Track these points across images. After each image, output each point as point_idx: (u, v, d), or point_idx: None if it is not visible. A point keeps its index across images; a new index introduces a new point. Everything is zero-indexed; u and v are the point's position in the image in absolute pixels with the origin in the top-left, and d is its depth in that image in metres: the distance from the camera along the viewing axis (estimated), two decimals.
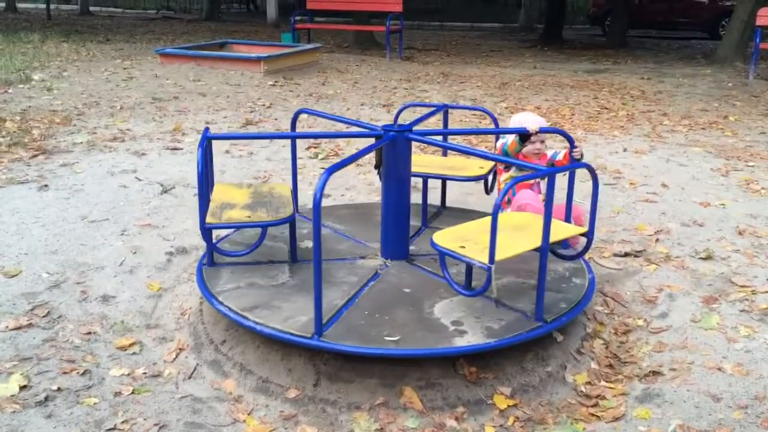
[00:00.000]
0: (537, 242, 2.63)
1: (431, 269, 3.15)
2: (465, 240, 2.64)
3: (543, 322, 2.70)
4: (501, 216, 3.01)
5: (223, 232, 3.57)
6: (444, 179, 3.79)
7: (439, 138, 4.10)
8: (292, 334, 2.61)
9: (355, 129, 3.42)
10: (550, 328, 2.73)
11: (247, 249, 3.12)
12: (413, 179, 3.31)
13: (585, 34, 18.87)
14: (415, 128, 3.17)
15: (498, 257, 2.47)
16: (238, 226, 3.04)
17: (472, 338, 2.59)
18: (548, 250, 2.64)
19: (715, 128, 6.93)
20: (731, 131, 6.78)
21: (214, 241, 3.19)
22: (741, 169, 5.40)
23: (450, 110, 4.05)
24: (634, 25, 17.29)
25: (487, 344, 2.58)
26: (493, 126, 4.22)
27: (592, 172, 2.80)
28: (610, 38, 15.68)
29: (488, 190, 3.90)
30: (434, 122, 6.22)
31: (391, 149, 3.07)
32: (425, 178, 3.68)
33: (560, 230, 2.84)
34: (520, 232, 2.78)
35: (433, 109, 3.91)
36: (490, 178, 3.79)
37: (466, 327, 2.67)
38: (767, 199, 4.66)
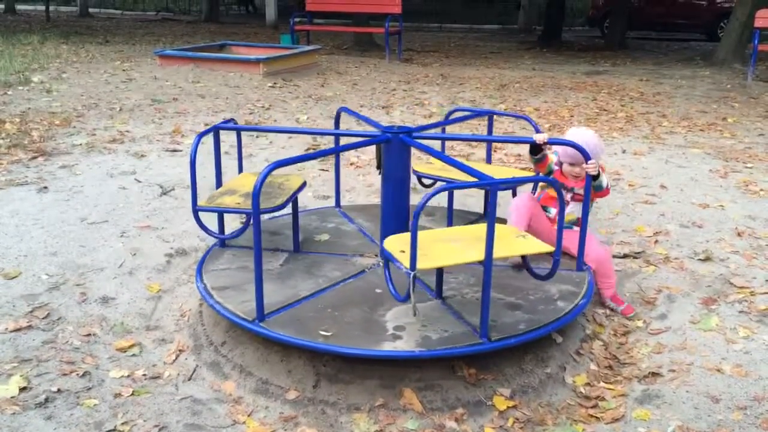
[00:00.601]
0: (496, 255, 2.47)
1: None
2: (423, 244, 2.58)
3: (486, 340, 2.58)
4: (474, 226, 2.98)
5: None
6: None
7: (438, 142, 4.10)
8: (236, 315, 2.74)
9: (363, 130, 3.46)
10: (489, 348, 2.59)
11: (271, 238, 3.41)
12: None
13: (584, 35, 18.90)
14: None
15: (426, 265, 2.42)
16: (224, 211, 3.15)
17: (400, 345, 2.56)
18: (491, 265, 2.46)
19: (713, 130, 6.93)
20: (730, 133, 6.79)
21: (237, 229, 3.43)
22: (740, 170, 5.41)
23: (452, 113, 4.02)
24: (633, 27, 17.30)
25: (410, 353, 2.53)
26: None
27: (554, 185, 2.71)
28: (609, 40, 15.69)
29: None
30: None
31: (390, 151, 3.08)
32: (452, 186, 3.53)
33: (518, 246, 2.69)
34: (479, 244, 2.55)
35: (464, 114, 3.90)
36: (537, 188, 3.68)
37: (404, 333, 2.64)
38: (766, 200, 4.67)
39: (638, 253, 3.84)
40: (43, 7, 19.05)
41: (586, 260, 3.24)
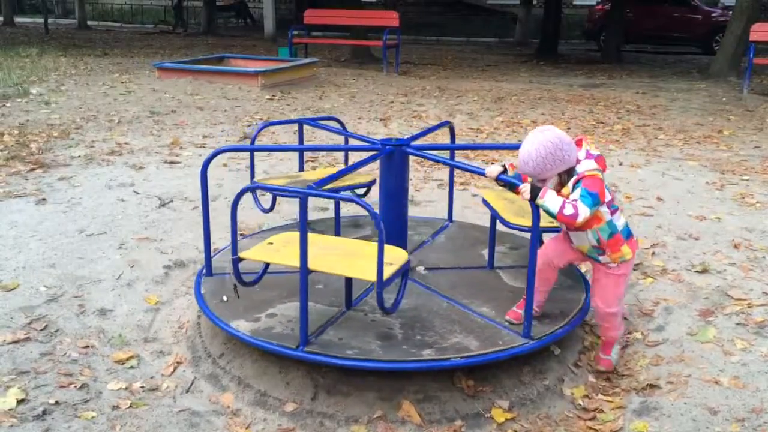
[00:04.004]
0: (312, 265, 2.52)
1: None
2: (287, 242, 2.79)
3: (302, 348, 2.61)
4: (366, 243, 2.92)
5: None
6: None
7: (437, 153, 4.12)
8: (200, 269, 3.23)
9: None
10: (294, 354, 2.62)
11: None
12: None
13: (580, 49, 19.00)
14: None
15: (245, 256, 2.69)
16: (261, 187, 3.21)
17: (244, 325, 2.78)
18: (306, 275, 2.49)
19: (709, 142, 6.97)
20: (726, 145, 6.82)
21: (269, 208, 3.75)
22: (736, 182, 5.43)
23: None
24: (629, 40, 17.42)
25: (235, 331, 2.75)
26: None
27: (372, 215, 2.47)
28: (605, 53, 15.78)
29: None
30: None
31: (388, 163, 3.09)
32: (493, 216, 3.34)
33: (351, 267, 2.61)
34: (329, 255, 2.67)
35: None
36: None
37: (267, 320, 2.82)
38: (762, 212, 4.69)
39: (636, 265, 3.85)
40: (41, 20, 19.10)
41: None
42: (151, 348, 3.06)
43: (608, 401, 2.74)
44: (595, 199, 2.51)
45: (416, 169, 5.56)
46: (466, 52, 17.63)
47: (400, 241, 3.22)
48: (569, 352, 3.02)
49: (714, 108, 9.05)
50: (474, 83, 11.17)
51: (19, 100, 7.84)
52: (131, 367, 2.88)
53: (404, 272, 2.64)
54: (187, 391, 2.76)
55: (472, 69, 13.58)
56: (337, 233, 3.67)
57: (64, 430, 2.42)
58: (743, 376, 2.75)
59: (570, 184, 2.57)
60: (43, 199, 4.53)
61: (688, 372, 2.82)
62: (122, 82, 9.30)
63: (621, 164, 5.97)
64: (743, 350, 2.93)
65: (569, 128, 7.45)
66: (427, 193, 5.09)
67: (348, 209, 4.42)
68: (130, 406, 2.59)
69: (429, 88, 10.30)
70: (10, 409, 2.48)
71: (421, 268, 3.32)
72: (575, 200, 2.51)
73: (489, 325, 2.84)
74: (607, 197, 2.59)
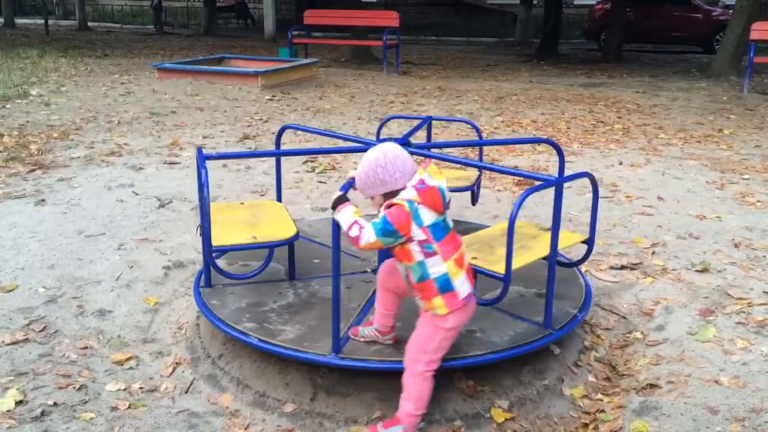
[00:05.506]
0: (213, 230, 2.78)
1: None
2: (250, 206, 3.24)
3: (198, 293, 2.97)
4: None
5: None
6: None
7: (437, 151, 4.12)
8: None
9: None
10: (196, 298, 2.94)
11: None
12: None
13: (581, 48, 18.99)
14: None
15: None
16: None
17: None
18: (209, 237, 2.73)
19: (710, 141, 6.96)
20: (726, 144, 6.81)
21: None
22: (736, 182, 5.43)
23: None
24: (629, 40, 17.40)
25: (202, 306, 2.97)
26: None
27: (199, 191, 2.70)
28: (605, 53, 15.78)
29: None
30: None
31: None
32: None
33: (225, 234, 2.88)
34: (240, 226, 2.98)
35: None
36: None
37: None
38: (762, 211, 4.68)
39: (636, 264, 3.84)
40: (42, 21, 19.12)
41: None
42: (150, 349, 3.05)
43: (608, 401, 2.73)
44: (387, 229, 2.23)
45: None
46: (466, 52, 17.63)
47: None
48: (569, 352, 3.02)
49: (714, 107, 9.04)
50: (474, 83, 11.17)
51: (19, 101, 7.85)
52: (130, 368, 2.88)
53: (270, 248, 2.91)
54: (186, 392, 2.76)
55: (473, 69, 13.57)
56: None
57: (62, 431, 2.41)
58: (743, 376, 2.74)
59: (383, 208, 2.31)
60: (43, 200, 4.53)
61: (688, 371, 2.81)
62: (122, 83, 9.31)
63: (621, 163, 5.96)
64: (743, 350, 2.92)
65: (569, 128, 7.44)
66: None
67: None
68: (129, 407, 2.59)
69: (429, 88, 10.30)
70: (8, 411, 2.48)
71: None
72: (368, 223, 2.28)
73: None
74: (418, 235, 2.26)
